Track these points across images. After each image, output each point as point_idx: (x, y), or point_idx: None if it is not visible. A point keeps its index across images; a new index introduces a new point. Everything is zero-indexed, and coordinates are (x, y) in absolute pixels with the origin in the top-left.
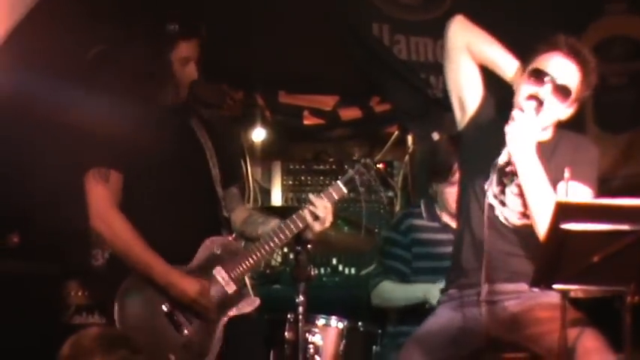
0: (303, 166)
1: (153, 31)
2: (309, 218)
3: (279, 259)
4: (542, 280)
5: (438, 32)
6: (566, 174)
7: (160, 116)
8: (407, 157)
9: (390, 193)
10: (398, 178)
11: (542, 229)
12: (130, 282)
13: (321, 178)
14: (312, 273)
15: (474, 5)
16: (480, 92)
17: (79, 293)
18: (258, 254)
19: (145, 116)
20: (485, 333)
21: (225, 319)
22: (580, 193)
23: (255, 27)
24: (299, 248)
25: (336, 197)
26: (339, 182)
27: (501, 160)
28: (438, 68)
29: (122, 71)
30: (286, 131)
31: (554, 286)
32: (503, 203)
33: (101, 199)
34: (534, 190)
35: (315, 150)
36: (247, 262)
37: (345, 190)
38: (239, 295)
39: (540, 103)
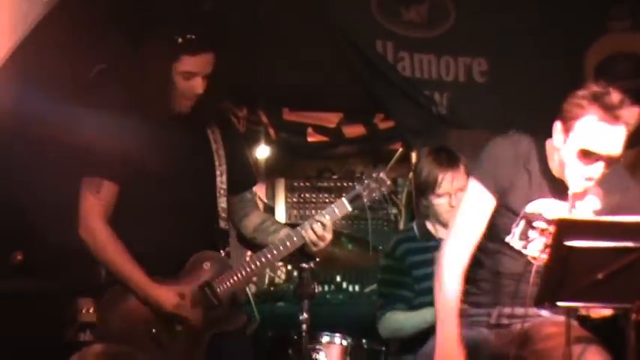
0: (307, 184)
1: (157, 41)
2: (308, 236)
3: (283, 276)
4: (546, 297)
5: (442, 49)
6: (570, 192)
7: (160, 127)
8: (411, 174)
9: (394, 210)
10: (402, 196)
11: None
12: (112, 295)
13: (325, 195)
14: (316, 290)
15: (477, 22)
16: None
17: (84, 310)
18: (248, 270)
19: (143, 128)
20: (494, 351)
21: (209, 334)
22: None
23: (259, 44)
24: (303, 265)
25: (340, 215)
26: (344, 199)
27: (530, 209)
28: (442, 85)
29: (122, 82)
30: (290, 148)
31: (559, 304)
32: (525, 247)
33: (89, 209)
34: None
35: (318, 167)
36: (235, 278)
37: (349, 208)
38: (226, 311)
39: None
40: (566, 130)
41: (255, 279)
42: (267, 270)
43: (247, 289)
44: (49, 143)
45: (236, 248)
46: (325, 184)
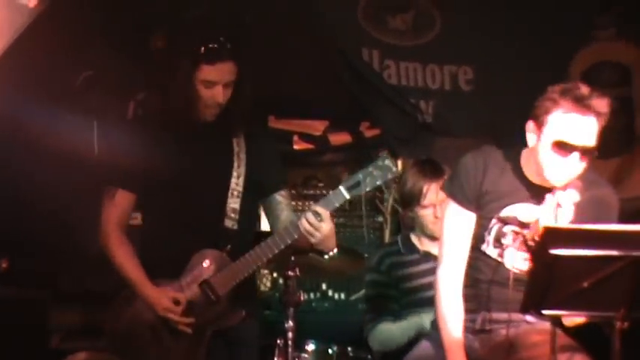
0: (292, 191)
1: (178, 52)
2: (303, 227)
3: (268, 284)
4: (531, 305)
5: (427, 57)
6: (555, 200)
7: (180, 134)
8: (396, 183)
9: (380, 218)
10: (387, 204)
11: None
12: (121, 299)
13: (311, 203)
14: (302, 298)
15: (462, 30)
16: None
17: (69, 318)
18: (244, 266)
19: (161, 136)
20: (477, 358)
21: (209, 332)
22: None
23: (245, 52)
24: (289, 273)
25: (337, 204)
26: (341, 188)
27: (504, 214)
28: (427, 93)
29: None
30: None
31: (544, 312)
32: (501, 255)
33: (104, 217)
34: None
35: (304, 175)
36: (233, 275)
37: (347, 196)
38: (225, 310)
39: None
40: (539, 126)
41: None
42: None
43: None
44: (38, 150)
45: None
46: (311, 191)
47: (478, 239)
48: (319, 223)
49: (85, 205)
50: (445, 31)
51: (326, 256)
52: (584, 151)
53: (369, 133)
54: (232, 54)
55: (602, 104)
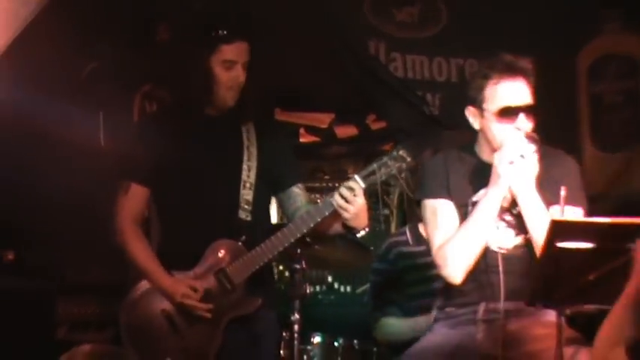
0: None
1: (192, 38)
2: (339, 202)
3: (274, 276)
4: (538, 298)
5: (434, 50)
6: (563, 192)
7: (192, 126)
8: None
9: (386, 211)
10: (394, 196)
11: None
12: (135, 290)
13: (317, 195)
14: (308, 291)
15: (469, 23)
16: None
17: (75, 310)
18: (261, 253)
19: (175, 129)
20: (481, 351)
21: (225, 320)
22: (575, 216)
23: (251, 44)
24: (295, 266)
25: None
26: (356, 176)
27: (477, 197)
28: (434, 86)
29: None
30: None
31: (551, 304)
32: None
33: (117, 211)
34: (540, 222)
35: (310, 167)
36: (251, 266)
37: (363, 184)
38: (241, 298)
39: (536, 140)
40: (478, 106)
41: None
42: None
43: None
44: (44, 142)
45: None
46: (317, 184)
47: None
48: (354, 197)
49: (93, 197)
50: (452, 23)
51: (359, 234)
52: (528, 110)
53: (375, 126)
54: (245, 33)
55: (526, 64)
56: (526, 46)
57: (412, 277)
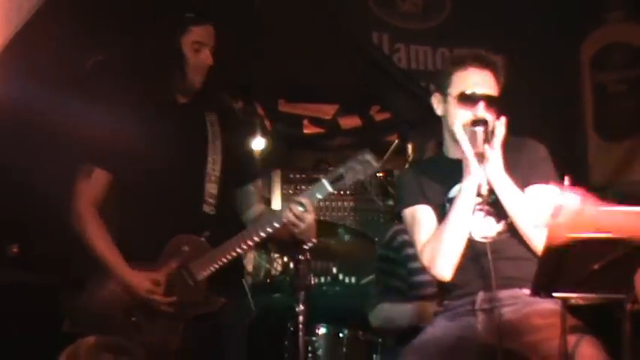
0: (303, 175)
1: (163, 20)
2: (287, 217)
3: (279, 268)
4: (542, 288)
5: (437, 40)
6: (566, 182)
7: (158, 114)
8: (407, 166)
9: (390, 202)
10: None
11: (533, 235)
12: (93, 282)
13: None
14: (312, 282)
15: (472, 14)
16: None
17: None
18: (225, 255)
19: (140, 115)
20: (481, 342)
21: (187, 317)
22: (547, 193)
23: (255, 36)
24: (299, 257)
25: (320, 196)
26: (324, 181)
27: (452, 194)
28: None
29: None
30: (286, 140)
31: (554, 294)
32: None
33: (77, 195)
34: (517, 203)
35: (315, 159)
36: (212, 261)
37: (330, 189)
38: (203, 295)
39: (485, 122)
40: (442, 91)
41: (251, 270)
42: (264, 262)
43: (244, 281)
44: (45, 134)
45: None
46: (321, 175)
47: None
48: (304, 214)
49: None
50: (455, 14)
51: (305, 247)
52: (489, 101)
53: (379, 117)
54: (213, 19)
55: (495, 58)
56: (530, 35)
57: (415, 266)
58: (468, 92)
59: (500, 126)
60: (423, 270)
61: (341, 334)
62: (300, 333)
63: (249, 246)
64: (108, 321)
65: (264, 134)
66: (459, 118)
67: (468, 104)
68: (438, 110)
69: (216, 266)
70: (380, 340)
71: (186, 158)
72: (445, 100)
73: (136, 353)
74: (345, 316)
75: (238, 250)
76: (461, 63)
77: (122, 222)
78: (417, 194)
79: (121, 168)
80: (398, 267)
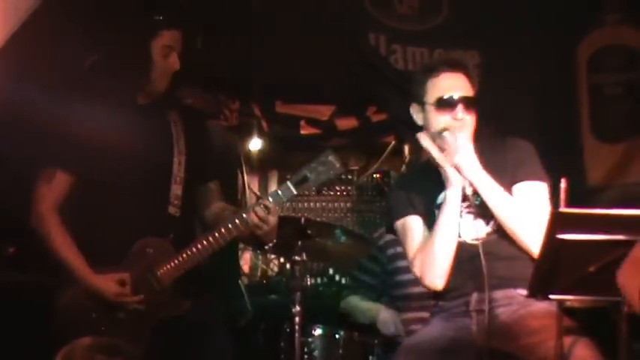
0: None
1: (134, 19)
2: (250, 219)
3: (275, 269)
4: (538, 290)
5: (434, 42)
6: (563, 184)
7: (123, 113)
8: (403, 167)
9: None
10: None
11: (521, 233)
12: (64, 288)
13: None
14: (308, 283)
15: (469, 15)
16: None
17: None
18: (190, 255)
19: (107, 116)
20: (476, 343)
21: (153, 320)
22: (537, 190)
23: (252, 37)
24: (295, 258)
25: (284, 199)
26: (288, 183)
27: (440, 200)
28: None
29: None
30: (283, 141)
31: (551, 296)
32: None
33: (39, 197)
34: (501, 203)
35: (311, 160)
36: (177, 263)
37: (295, 191)
38: (169, 296)
39: (463, 123)
40: (419, 100)
41: (247, 270)
42: (260, 263)
43: (240, 282)
44: (41, 136)
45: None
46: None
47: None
48: (267, 216)
49: None
50: (452, 15)
51: (266, 247)
52: (466, 102)
53: (375, 118)
54: (182, 24)
55: (465, 60)
56: (526, 37)
57: (402, 264)
58: (445, 97)
59: (464, 124)
60: (404, 269)
61: (337, 335)
62: (297, 334)
63: (214, 248)
64: (73, 325)
65: (261, 135)
66: (439, 123)
67: (447, 109)
68: (418, 120)
69: (181, 268)
70: (376, 341)
71: (154, 159)
72: (423, 109)
73: (132, 354)
74: (341, 317)
75: (203, 252)
76: (433, 70)
77: (86, 224)
78: (406, 205)
79: (85, 169)
80: (374, 264)
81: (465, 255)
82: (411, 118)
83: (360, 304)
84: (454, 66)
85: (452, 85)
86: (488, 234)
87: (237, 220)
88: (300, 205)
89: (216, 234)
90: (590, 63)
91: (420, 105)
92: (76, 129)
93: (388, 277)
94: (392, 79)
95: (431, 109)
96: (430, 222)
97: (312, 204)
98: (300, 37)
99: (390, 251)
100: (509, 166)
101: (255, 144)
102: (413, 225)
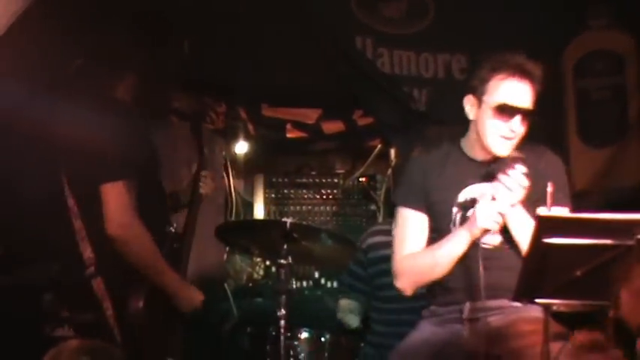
0: (285, 179)
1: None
2: None
3: (261, 272)
4: (524, 294)
5: (421, 46)
6: (549, 188)
7: (146, 124)
8: (389, 171)
9: (373, 207)
10: (381, 192)
11: None
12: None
13: (304, 191)
14: (294, 286)
15: (456, 19)
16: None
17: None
18: None
19: (145, 126)
20: (467, 348)
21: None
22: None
23: (239, 40)
24: (281, 262)
25: None
26: None
27: (461, 198)
28: (420, 82)
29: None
30: (269, 144)
31: (537, 300)
32: None
33: (121, 207)
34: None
35: (297, 163)
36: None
37: None
38: None
39: (515, 136)
40: (478, 97)
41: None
42: (246, 266)
43: (226, 285)
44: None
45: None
46: (304, 180)
47: (446, 234)
48: None
49: None
50: (439, 19)
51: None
52: (525, 114)
53: (362, 122)
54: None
55: (536, 69)
56: (513, 41)
57: (380, 269)
58: (506, 104)
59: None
60: (386, 272)
61: (323, 339)
62: (282, 337)
63: None
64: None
65: (248, 138)
66: (493, 127)
67: (505, 116)
68: (470, 114)
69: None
70: (362, 344)
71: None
72: (480, 106)
73: (117, 356)
74: (327, 321)
75: None
76: (500, 70)
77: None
78: (416, 195)
79: (136, 176)
80: (357, 265)
81: (465, 260)
82: (397, 121)
83: (348, 303)
84: (523, 73)
85: (517, 93)
86: (501, 242)
87: None
88: (285, 208)
89: None
90: (577, 68)
91: (477, 100)
92: (119, 139)
93: (372, 280)
94: (378, 82)
95: (488, 111)
96: (441, 218)
97: (297, 207)
98: (287, 41)
99: (373, 254)
100: (538, 177)
101: (241, 147)
102: (416, 223)
